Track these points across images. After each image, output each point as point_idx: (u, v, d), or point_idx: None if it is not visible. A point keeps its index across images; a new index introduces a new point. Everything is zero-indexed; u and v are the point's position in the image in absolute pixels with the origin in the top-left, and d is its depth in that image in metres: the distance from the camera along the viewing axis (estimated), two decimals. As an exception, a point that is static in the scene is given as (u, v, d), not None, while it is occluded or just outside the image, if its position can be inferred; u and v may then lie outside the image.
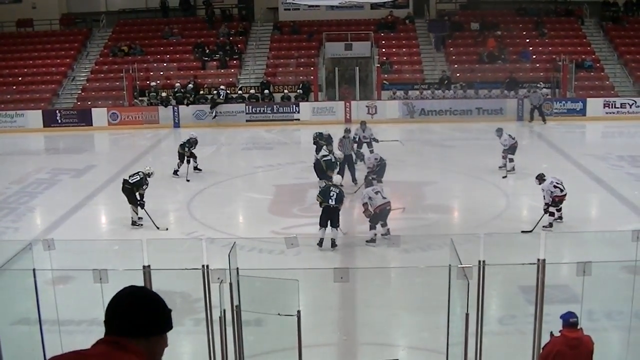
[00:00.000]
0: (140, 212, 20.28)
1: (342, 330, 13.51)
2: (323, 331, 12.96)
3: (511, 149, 25.44)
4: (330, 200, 17.80)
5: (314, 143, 26.38)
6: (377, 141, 27.42)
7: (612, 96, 38.16)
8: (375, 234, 17.78)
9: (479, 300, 9.94)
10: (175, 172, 25.59)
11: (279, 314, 10.64)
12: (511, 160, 25.33)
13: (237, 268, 9.81)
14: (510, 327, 13.46)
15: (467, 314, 9.52)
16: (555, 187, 18.99)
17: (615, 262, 12.17)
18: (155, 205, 22.56)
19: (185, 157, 25.70)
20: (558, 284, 12.70)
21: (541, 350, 9.69)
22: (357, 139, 27.01)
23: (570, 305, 9.95)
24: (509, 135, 25.74)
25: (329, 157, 22.51)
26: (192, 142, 26.12)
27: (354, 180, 24.47)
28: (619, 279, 13.33)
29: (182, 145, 26.00)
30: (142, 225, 20.09)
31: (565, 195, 19.18)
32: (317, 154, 25.13)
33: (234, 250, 9.91)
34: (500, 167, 25.45)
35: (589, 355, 9.32)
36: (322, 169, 21.93)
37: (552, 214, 19.23)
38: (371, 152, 26.82)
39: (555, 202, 19.03)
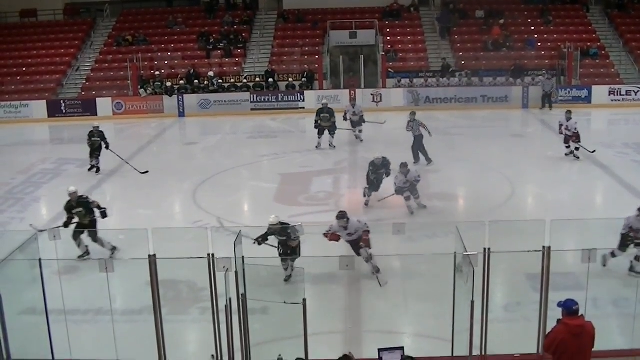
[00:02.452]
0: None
1: (348, 318, 13.53)
2: (329, 319, 12.97)
3: (576, 135, 25.35)
4: None
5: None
6: (364, 121, 28.56)
7: (618, 84, 38.05)
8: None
9: (484, 288, 9.95)
10: None
11: (284, 302, 10.66)
12: (577, 149, 25.43)
13: (243, 257, 9.82)
14: (515, 315, 13.45)
15: (472, 302, 9.52)
16: None
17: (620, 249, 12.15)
18: (162, 194, 22.64)
19: None
20: (563, 271, 12.69)
21: (544, 340, 9.70)
22: (346, 118, 28.39)
23: (575, 292, 9.95)
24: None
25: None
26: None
27: (428, 160, 25.68)
28: (624, 266, 13.33)
29: None
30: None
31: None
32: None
33: (240, 239, 9.92)
34: (567, 154, 25.52)
35: (591, 341, 9.34)
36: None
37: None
38: (360, 132, 28.46)
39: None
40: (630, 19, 42.94)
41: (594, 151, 25.49)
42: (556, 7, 43.82)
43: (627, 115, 35.43)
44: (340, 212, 14.84)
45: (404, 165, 19.37)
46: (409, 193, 19.66)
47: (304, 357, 9.85)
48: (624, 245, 14.42)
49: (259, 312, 11.43)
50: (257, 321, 11.38)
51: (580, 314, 9.29)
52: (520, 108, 36.95)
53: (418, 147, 25.66)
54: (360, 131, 28.65)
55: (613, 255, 14.50)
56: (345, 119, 28.44)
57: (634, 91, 37.26)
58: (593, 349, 9.43)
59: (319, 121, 27.91)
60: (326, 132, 27.93)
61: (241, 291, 9.82)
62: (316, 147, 28.07)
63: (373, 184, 20.52)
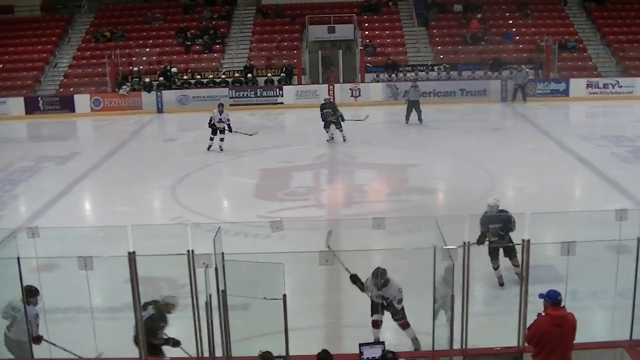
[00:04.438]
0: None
1: (328, 313, 13.54)
2: (309, 314, 12.98)
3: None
4: None
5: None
6: (343, 120, 28.35)
7: (595, 76, 38.28)
8: None
9: (464, 282, 9.96)
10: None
11: (264, 298, 10.63)
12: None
13: (223, 253, 9.79)
14: (495, 308, 13.50)
15: (452, 296, 9.53)
16: None
17: (600, 241, 12.20)
18: (140, 190, 22.58)
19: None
20: (543, 264, 12.74)
21: (526, 331, 9.74)
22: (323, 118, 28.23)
23: (555, 284, 9.98)
24: None
25: None
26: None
27: (420, 119, 31.32)
28: (603, 259, 13.38)
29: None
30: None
31: None
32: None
33: (219, 235, 9.90)
34: None
35: (572, 332, 9.44)
36: None
37: None
38: (340, 130, 28.04)
39: None
40: (607, 12, 43.17)
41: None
42: (534, 0, 43.89)
43: (605, 107, 35.63)
44: (380, 269, 12.09)
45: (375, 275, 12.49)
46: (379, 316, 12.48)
47: (284, 352, 9.85)
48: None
49: (239, 308, 11.39)
50: (238, 317, 11.35)
51: (562, 305, 9.36)
52: (499, 101, 37.10)
53: (411, 108, 31.63)
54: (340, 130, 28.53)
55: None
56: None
57: (611, 84, 37.47)
58: (574, 341, 9.49)
59: (323, 117, 28.07)
60: (332, 126, 27.94)
61: (221, 287, 9.80)
62: (327, 140, 28.37)
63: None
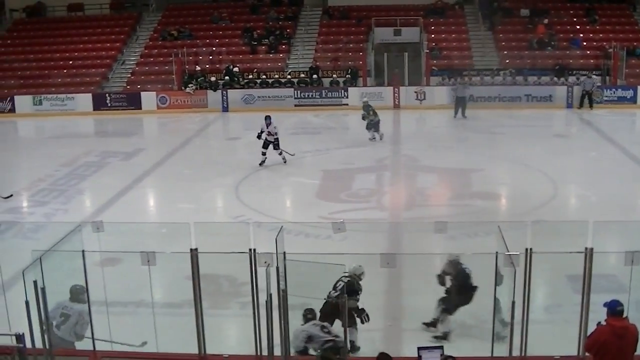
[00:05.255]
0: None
1: (388, 315, 13.52)
2: (370, 316, 12.96)
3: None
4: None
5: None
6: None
7: (664, 84, 37.69)
8: None
9: (525, 289, 9.90)
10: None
11: (324, 299, 10.67)
12: None
13: (284, 252, 9.84)
14: (556, 316, 13.36)
15: (513, 302, 9.48)
16: None
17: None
18: (203, 188, 22.75)
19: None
20: (606, 273, 12.59)
21: (586, 340, 9.64)
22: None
23: (617, 294, 9.85)
24: None
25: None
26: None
27: (464, 115, 34.07)
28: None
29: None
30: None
31: None
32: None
33: (281, 235, 9.95)
34: None
35: (634, 344, 9.30)
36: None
37: None
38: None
39: None
40: (678, 18, 42.51)
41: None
42: (602, 6, 43.37)
43: (674, 116, 35.07)
44: None
45: None
46: None
47: (339, 353, 9.86)
48: None
49: (299, 308, 11.45)
50: (298, 317, 11.41)
51: (624, 316, 9.26)
52: (564, 108, 36.72)
53: (459, 104, 34.39)
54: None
55: None
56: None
57: (680, 91, 36.87)
58: (635, 352, 9.38)
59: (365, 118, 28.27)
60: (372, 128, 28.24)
61: (282, 287, 9.84)
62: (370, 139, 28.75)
63: None
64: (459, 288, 12.84)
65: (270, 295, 9.75)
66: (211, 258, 10.11)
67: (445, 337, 12.31)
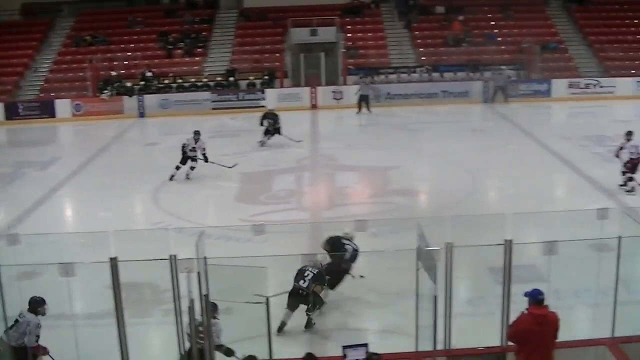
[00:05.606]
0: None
1: (312, 316, 13.49)
2: (293, 318, 12.93)
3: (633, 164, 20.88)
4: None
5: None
6: (280, 134, 28.57)
7: (577, 77, 38.48)
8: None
9: (446, 282, 9.96)
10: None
11: (248, 302, 10.60)
12: (631, 179, 20.84)
13: (205, 257, 9.75)
14: (478, 308, 13.50)
15: (435, 296, 9.52)
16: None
17: (582, 240, 12.22)
18: (122, 196, 22.48)
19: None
20: (525, 263, 12.74)
21: (509, 328, 9.75)
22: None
23: (537, 284, 9.97)
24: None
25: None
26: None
27: (369, 110, 34.83)
28: (585, 258, 13.43)
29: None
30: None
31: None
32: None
33: (202, 240, 9.86)
34: (621, 185, 20.96)
35: (554, 331, 9.50)
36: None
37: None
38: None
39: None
40: (588, 13, 43.46)
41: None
42: (516, 2, 43.99)
43: (587, 107, 35.70)
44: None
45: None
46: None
47: (268, 356, 9.81)
48: None
49: (222, 313, 11.37)
50: (221, 321, 11.32)
51: (545, 304, 9.43)
52: (481, 102, 37.21)
53: (362, 101, 35.08)
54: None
55: None
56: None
57: (592, 84, 37.67)
58: (557, 340, 9.51)
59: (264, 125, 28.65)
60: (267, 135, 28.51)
61: (204, 292, 9.75)
62: (259, 142, 28.65)
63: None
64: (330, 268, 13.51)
65: (193, 300, 9.66)
66: (132, 266, 9.99)
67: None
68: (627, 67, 38.96)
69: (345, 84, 38.59)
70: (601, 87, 37.70)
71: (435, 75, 38.88)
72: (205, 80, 39.29)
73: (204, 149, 23.97)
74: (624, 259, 10.50)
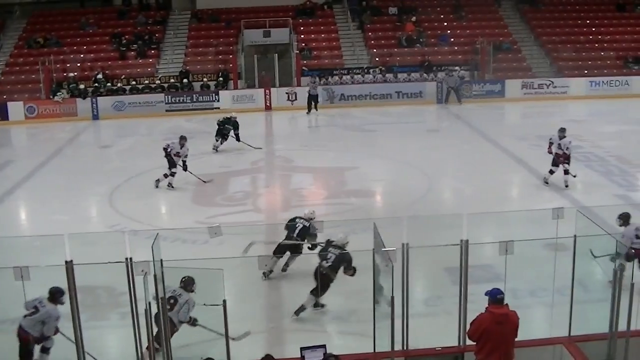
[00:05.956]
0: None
1: (270, 317, 13.49)
2: (250, 320, 12.92)
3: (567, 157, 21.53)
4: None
5: (221, 129, 27.99)
6: (238, 140, 28.09)
7: (530, 77, 38.83)
8: None
9: (403, 283, 9.99)
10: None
11: (204, 304, 10.57)
12: (552, 172, 21.65)
13: (161, 259, 9.70)
14: (436, 308, 13.57)
15: (392, 297, 9.55)
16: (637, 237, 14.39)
17: (537, 240, 12.31)
18: (77, 198, 22.29)
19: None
20: (482, 263, 12.82)
21: (468, 327, 9.79)
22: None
23: (494, 284, 10.05)
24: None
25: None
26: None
27: (316, 108, 35.17)
28: (541, 257, 13.54)
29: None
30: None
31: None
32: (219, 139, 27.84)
33: (157, 242, 9.82)
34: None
35: (514, 330, 9.58)
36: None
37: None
38: (221, 143, 28.00)
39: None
40: (540, 14, 43.88)
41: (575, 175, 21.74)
42: (469, 2, 44.34)
43: (540, 107, 36.01)
44: None
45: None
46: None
47: (226, 358, 9.79)
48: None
49: (178, 316, 11.33)
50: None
51: (505, 303, 9.53)
52: (435, 103, 37.42)
53: (310, 101, 34.99)
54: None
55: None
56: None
57: (545, 84, 38.02)
58: (517, 338, 9.59)
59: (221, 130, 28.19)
60: (221, 140, 28.17)
61: (160, 294, 9.71)
62: (214, 148, 28.27)
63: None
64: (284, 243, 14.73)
65: (149, 303, 9.62)
66: (88, 269, 9.91)
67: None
68: (579, 68, 39.40)
69: (299, 85, 38.55)
70: (554, 87, 38.09)
71: (389, 76, 38.98)
72: (158, 82, 39.07)
73: (186, 156, 23.19)
74: (580, 258, 10.60)
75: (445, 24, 43.34)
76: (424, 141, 28.80)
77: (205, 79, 39.13)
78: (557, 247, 12.21)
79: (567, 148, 21.10)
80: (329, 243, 13.64)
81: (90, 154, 30.19)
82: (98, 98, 37.02)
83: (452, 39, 41.96)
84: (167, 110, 36.93)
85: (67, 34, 42.77)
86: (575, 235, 10.39)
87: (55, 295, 11.05)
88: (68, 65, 39.69)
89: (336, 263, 13.04)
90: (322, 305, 13.50)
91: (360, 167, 24.88)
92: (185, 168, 23.10)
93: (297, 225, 15.16)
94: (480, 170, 23.92)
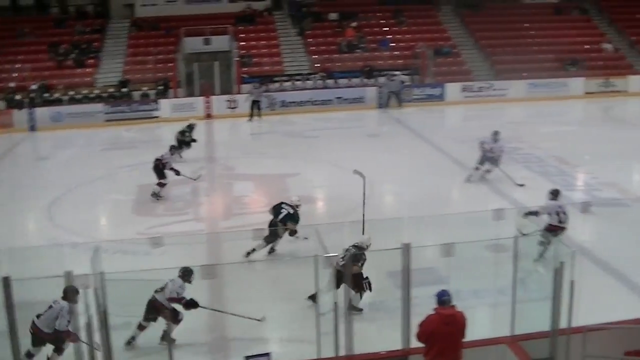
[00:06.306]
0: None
1: (213, 327, 13.39)
2: (194, 329, 12.82)
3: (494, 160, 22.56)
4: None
5: (183, 139, 27.49)
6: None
7: (470, 80, 39.21)
8: None
9: (347, 289, 9.98)
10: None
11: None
12: (489, 171, 22.69)
13: (102, 272, 9.58)
14: (379, 313, 13.57)
15: (335, 303, 9.53)
16: (558, 214, 15.43)
17: (479, 241, 12.40)
18: (14, 212, 21.94)
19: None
20: (424, 266, 12.86)
21: (417, 329, 9.80)
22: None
23: (437, 286, 10.09)
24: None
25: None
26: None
27: (260, 115, 35.51)
28: (482, 258, 13.63)
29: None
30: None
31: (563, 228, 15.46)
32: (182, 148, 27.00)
33: (98, 254, 9.69)
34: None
35: (462, 330, 9.68)
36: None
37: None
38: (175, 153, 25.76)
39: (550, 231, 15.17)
40: (479, 18, 44.39)
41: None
42: (409, 7, 44.56)
43: (480, 110, 36.34)
44: None
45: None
46: None
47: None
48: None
49: (121, 328, 11.21)
50: (121, 337, 11.16)
51: (452, 304, 9.61)
52: (376, 108, 37.56)
53: (254, 107, 35.53)
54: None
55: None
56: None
57: (485, 87, 38.42)
58: (465, 339, 9.63)
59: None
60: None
61: (102, 308, 9.59)
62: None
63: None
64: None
65: (90, 317, 9.49)
66: (26, 285, 9.75)
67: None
68: (518, 70, 39.77)
69: (239, 92, 38.44)
70: (494, 90, 38.55)
71: (330, 82, 39.07)
72: (97, 91, 38.63)
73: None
74: (520, 259, 10.68)
75: (386, 29, 43.54)
76: (365, 146, 28.85)
77: (145, 88, 38.79)
78: (497, 248, 12.32)
79: (502, 151, 21.57)
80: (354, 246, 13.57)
81: (28, 167, 29.76)
82: (35, 109, 36.49)
83: (393, 44, 42.16)
84: (106, 120, 36.55)
85: (2, 43, 42.03)
86: (515, 236, 10.49)
87: (69, 294, 10.83)
88: (4, 75, 39.11)
89: (347, 260, 12.99)
90: (360, 310, 13.37)
91: (301, 173, 24.87)
92: (177, 173, 22.55)
93: (281, 211, 15.95)
94: (421, 173, 24.06)
